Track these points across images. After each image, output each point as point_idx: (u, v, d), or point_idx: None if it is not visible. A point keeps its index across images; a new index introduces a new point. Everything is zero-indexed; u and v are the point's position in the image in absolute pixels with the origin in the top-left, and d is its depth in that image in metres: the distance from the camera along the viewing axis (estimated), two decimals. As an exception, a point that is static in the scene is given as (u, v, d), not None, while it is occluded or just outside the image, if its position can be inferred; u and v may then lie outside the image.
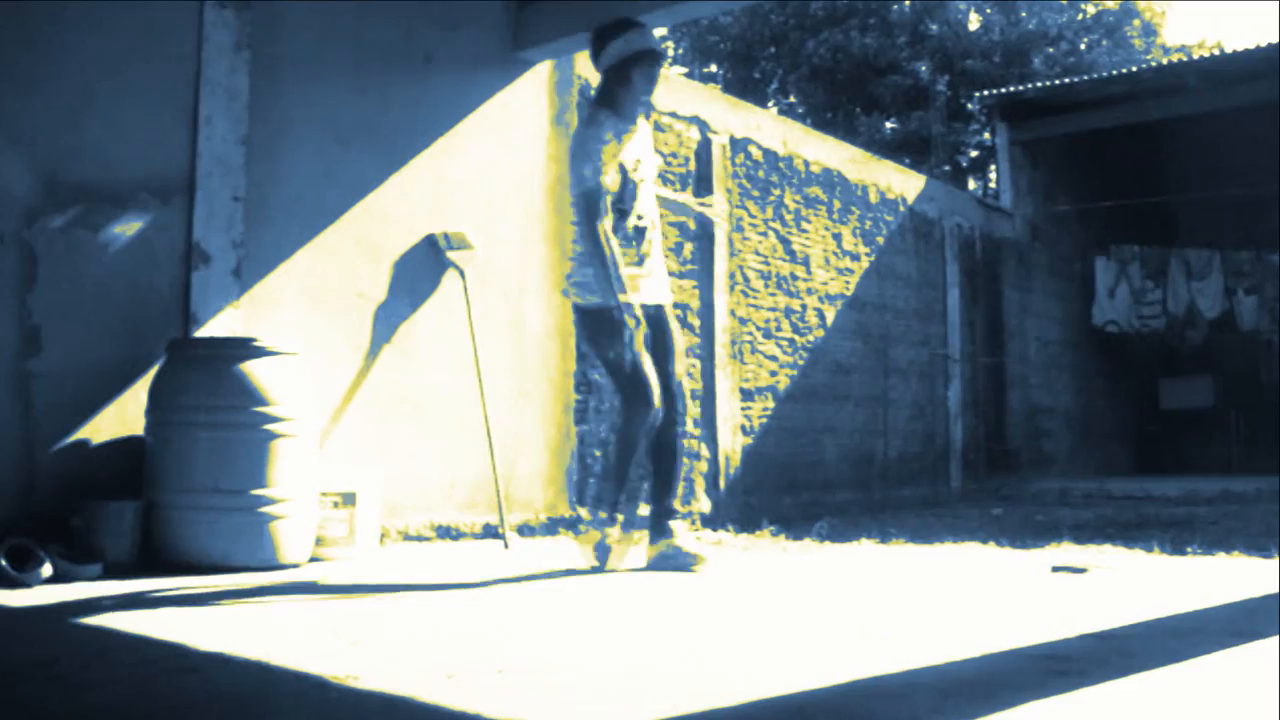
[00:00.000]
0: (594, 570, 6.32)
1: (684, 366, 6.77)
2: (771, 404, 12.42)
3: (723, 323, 11.60)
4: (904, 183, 15.37)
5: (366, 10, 8.31)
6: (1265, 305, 19.56)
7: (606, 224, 6.26)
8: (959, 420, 16.17)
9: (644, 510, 6.88)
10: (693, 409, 11.20)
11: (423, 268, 8.53)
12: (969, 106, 27.14)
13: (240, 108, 7.48)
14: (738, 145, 12.11)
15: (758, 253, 12.29)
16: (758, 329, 12.23)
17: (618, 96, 6.44)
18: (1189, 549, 7.64)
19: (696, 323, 11.29)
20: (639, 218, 6.39)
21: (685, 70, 30.48)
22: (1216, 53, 22.80)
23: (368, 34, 8.30)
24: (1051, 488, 16.11)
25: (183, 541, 6.22)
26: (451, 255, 8.57)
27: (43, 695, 3.29)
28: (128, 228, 6.90)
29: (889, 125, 28.23)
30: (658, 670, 3.63)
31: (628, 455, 6.43)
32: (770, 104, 29.96)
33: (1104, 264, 19.59)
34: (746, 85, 29.33)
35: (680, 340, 6.68)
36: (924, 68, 28.22)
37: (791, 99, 30.51)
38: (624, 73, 6.37)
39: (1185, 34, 69.69)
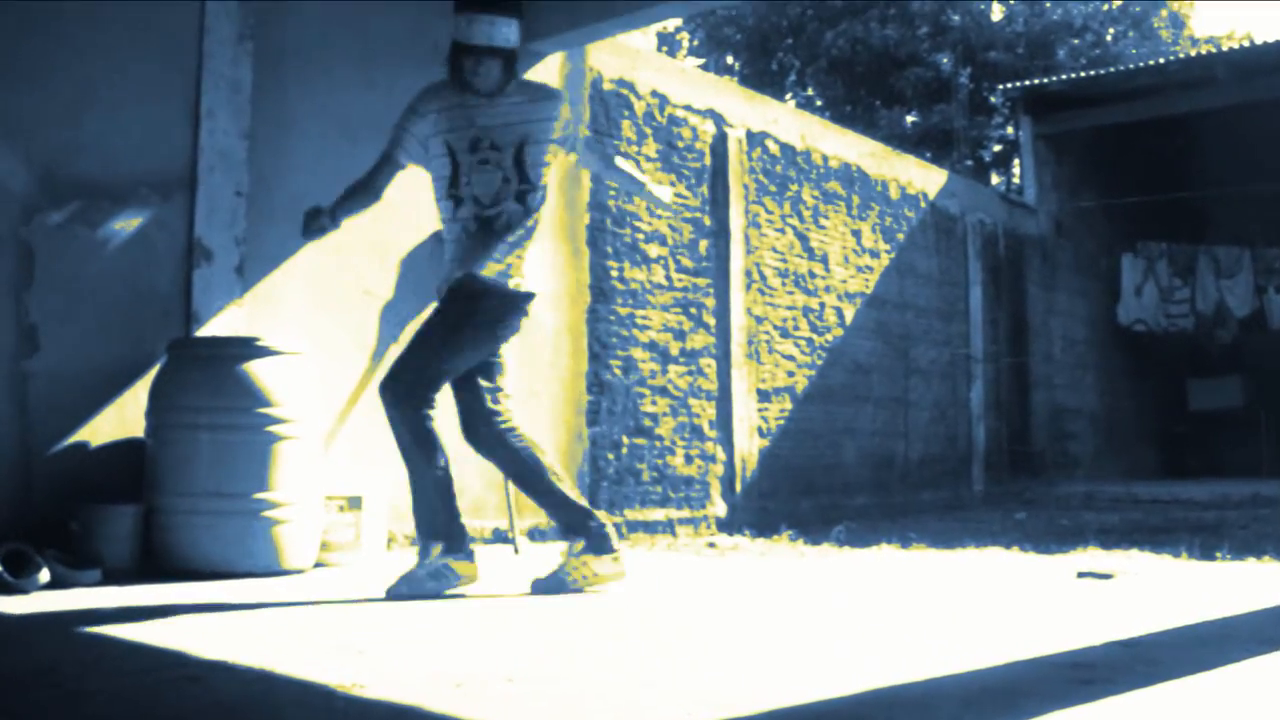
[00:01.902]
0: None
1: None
2: (789, 405, 12.41)
3: (739, 321, 11.59)
4: (925, 178, 15.35)
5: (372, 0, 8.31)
6: (1296, 303, 19.54)
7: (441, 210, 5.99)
8: (981, 422, 16.14)
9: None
10: (708, 410, 11.20)
11: (431, 265, 8.51)
12: (992, 99, 27.11)
13: (243, 101, 7.48)
14: (754, 139, 12.10)
15: (775, 250, 12.28)
16: (775, 328, 12.22)
17: (453, 72, 5.95)
18: (1218, 554, 7.62)
19: (712, 321, 11.28)
20: (481, 205, 5.87)
21: (701, 62, 30.45)
22: (1246, 44, 22.80)
23: (374, 25, 8.30)
24: (1076, 491, 16.07)
25: (184, 546, 6.22)
26: (460, 252, 8.56)
27: (40, 704, 3.29)
28: (127, 224, 6.91)
29: (910, 119, 28.20)
30: (671, 679, 3.62)
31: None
32: (788, 97, 29.94)
33: (1130, 261, 19.55)
34: (763, 78, 29.30)
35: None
36: (946, 60, 28.18)
37: (809, 92, 30.48)
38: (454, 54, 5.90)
39: (1214, 25, 69.66)
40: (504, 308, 6.00)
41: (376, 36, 8.31)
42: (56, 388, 6.53)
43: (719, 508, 11.19)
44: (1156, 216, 19.73)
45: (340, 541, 7.01)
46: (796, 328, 12.57)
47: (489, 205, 5.88)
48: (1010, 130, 27.30)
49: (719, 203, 11.50)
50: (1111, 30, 29.59)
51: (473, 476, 8.56)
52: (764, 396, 12.02)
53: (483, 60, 5.79)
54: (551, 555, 7.68)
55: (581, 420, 9.73)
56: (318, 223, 6.03)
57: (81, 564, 5.90)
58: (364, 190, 6.11)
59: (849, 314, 13.47)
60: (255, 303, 7.49)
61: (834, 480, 13.06)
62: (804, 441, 12.64)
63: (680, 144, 11.11)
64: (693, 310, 11.07)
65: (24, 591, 5.46)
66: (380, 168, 6.09)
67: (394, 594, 5.63)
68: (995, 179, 29.04)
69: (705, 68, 28.43)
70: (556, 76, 9.66)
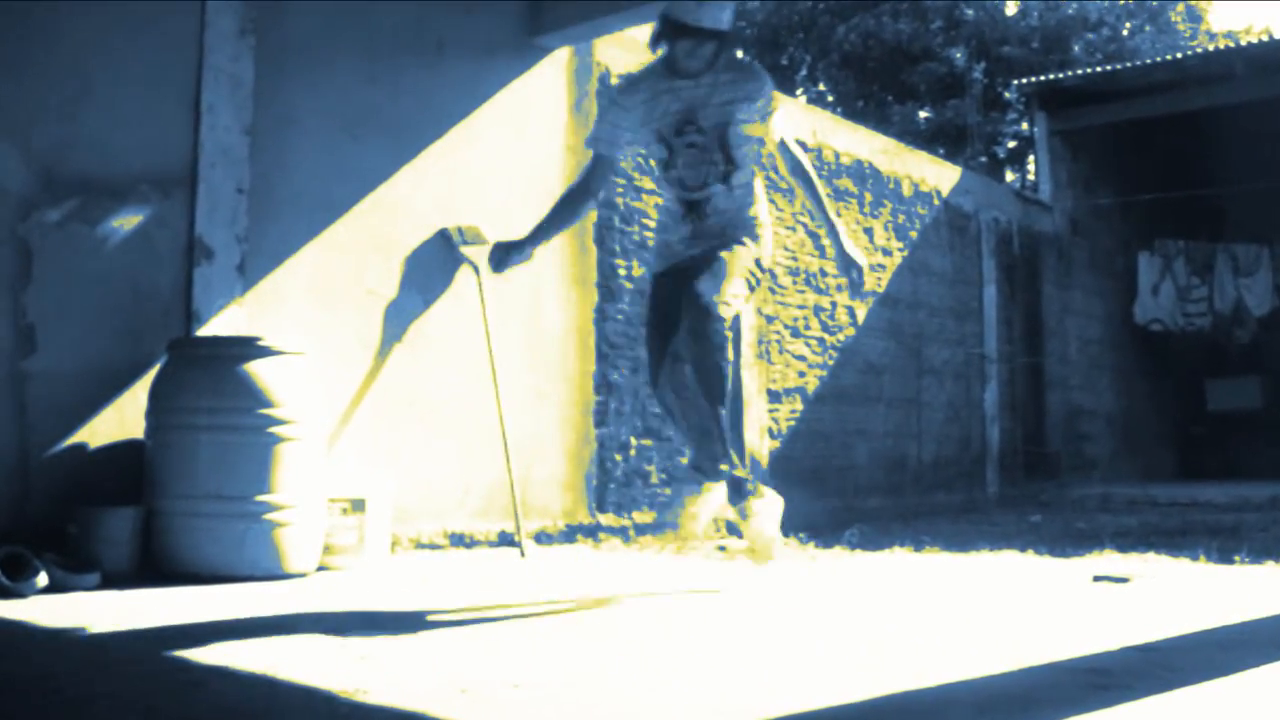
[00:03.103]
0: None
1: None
2: (800, 406, 12.40)
3: (749, 321, 11.57)
4: (938, 175, 15.33)
5: (376, -5, 8.32)
6: (1317, 303, 19.51)
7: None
8: (996, 423, 16.12)
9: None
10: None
11: (435, 263, 8.53)
12: (1006, 95, 27.12)
13: (244, 96, 7.48)
14: (764, 135, 12.07)
15: (786, 248, 12.27)
16: (786, 327, 12.21)
17: (670, 55, 5.89)
18: (1236, 557, 7.60)
19: (721, 321, 11.26)
20: (685, 189, 5.93)
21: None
22: (1265, 39, 22.71)
23: (378, 19, 8.30)
24: (1092, 493, 16.05)
25: (184, 550, 6.22)
26: (465, 250, 8.56)
27: (38, 710, 3.29)
28: (127, 222, 6.91)
29: (923, 115, 28.19)
30: (680, 686, 3.62)
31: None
32: (799, 92, 29.94)
33: (1147, 260, 19.51)
34: (774, 72, 29.11)
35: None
36: (959, 54, 28.18)
37: (821, 87, 30.48)
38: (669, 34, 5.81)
39: (1232, 20, 69.50)
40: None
41: (380, 31, 8.31)
42: (54, 388, 6.53)
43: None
44: (1174, 214, 19.71)
45: (343, 545, 7.01)
46: (808, 327, 12.56)
47: (695, 189, 5.93)
48: (1025, 126, 27.29)
49: (728, 200, 11.47)
50: (1128, 25, 29.56)
51: (479, 479, 8.57)
52: (774, 397, 12.01)
53: (704, 43, 5.76)
54: (558, 558, 7.69)
55: (589, 421, 9.73)
56: (509, 257, 6.07)
57: (80, 567, 5.89)
58: (581, 196, 6.25)
59: (861, 313, 13.46)
60: (257, 302, 7.48)
61: (846, 482, 13.05)
62: (815, 443, 12.63)
63: (689, 140, 11.09)
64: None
65: (21, 595, 5.45)
66: (596, 170, 6.18)
67: None
68: (1010, 176, 29.03)
69: (715, 62, 28.37)
70: (564, 71, 9.66)
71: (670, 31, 5.77)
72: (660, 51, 5.91)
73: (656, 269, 6.17)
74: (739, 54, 6.19)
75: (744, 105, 5.91)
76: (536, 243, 6.19)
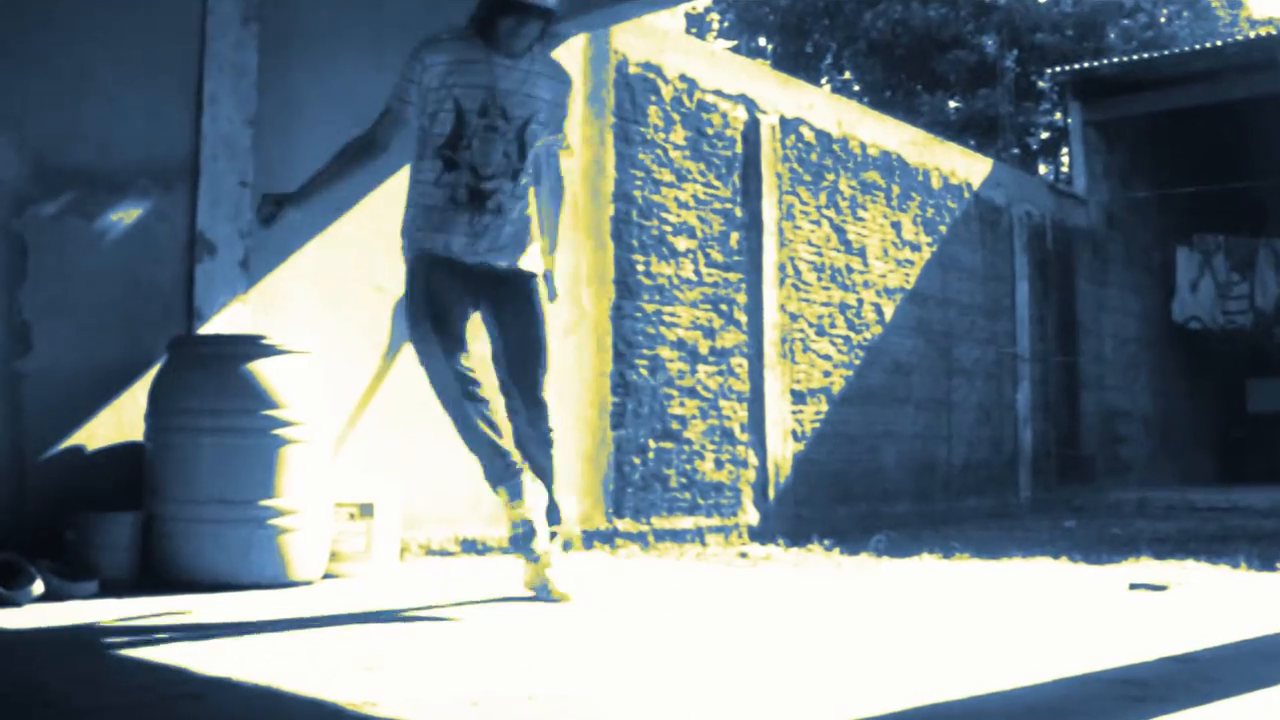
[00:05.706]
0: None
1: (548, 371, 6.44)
2: (825, 407, 12.37)
3: (772, 319, 11.57)
4: (969, 167, 15.30)
5: (385, -20, 8.31)
6: (1361, 300, 19.45)
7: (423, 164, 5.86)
8: (1029, 425, 16.09)
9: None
10: (739, 413, 11.18)
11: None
12: (1039, 84, 27.08)
13: (248, 86, 7.48)
14: (788, 126, 12.07)
15: (810, 243, 12.26)
16: (810, 326, 12.19)
17: (490, 28, 5.78)
18: (1278, 565, 7.59)
19: (743, 319, 11.25)
20: (478, 176, 5.79)
21: (731, 44, 30.43)
22: (1309, 25, 22.65)
23: (386, 5, 8.29)
24: (1129, 498, 16.02)
25: (185, 556, 6.21)
26: (476, 246, 8.54)
27: (32, 722, 3.29)
28: (126, 216, 6.91)
29: (953, 105, 28.15)
30: (700, 697, 3.61)
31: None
32: (824, 81, 29.93)
33: (1186, 255, 19.47)
34: (798, 61, 29.27)
35: (547, 328, 6.33)
36: (991, 42, 28.15)
37: (847, 76, 30.47)
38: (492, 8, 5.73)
39: (1273, 6, 69.36)
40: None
41: (388, 18, 8.29)
42: (51, 389, 6.53)
43: (751, 515, 11.17)
44: (1213, 207, 19.66)
45: (350, 551, 7.00)
46: (833, 325, 12.54)
47: (485, 177, 5.82)
48: (1059, 116, 27.27)
49: (751, 193, 11.48)
50: (1165, 11, 29.48)
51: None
52: (798, 398, 11.99)
53: (527, 21, 5.70)
54: (574, 565, 7.67)
55: (606, 423, 9.72)
56: (279, 210, 6.06)
57: (77, 575, 5.89)
58: (364, 147, 6.03)
59: (888, 311, 13.44)
60: (261, 299, 7.48)
61: (872, 486, 13.03)
62: (841, 445, 12.60)
63: (710, 131, 11.09)
64: (723, 307, 11.05)
65: (16, 604, 5.45)
66: (382, 121, 5.99)
67: None
68: (1043, 168, 29.00)
69: (736, 50, 28.40)
70: (580, 59, 9.65)
71: (495, 4, 5.69)
72: (475, 18, 5.82)
73: (424, 253, 5.96)
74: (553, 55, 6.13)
75: (550, 107, 5.93)
76: (310, 195, 6.11)
